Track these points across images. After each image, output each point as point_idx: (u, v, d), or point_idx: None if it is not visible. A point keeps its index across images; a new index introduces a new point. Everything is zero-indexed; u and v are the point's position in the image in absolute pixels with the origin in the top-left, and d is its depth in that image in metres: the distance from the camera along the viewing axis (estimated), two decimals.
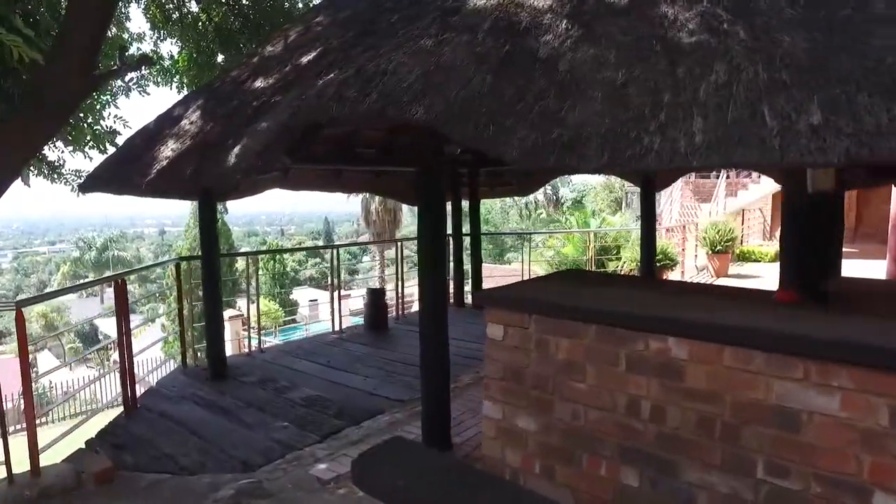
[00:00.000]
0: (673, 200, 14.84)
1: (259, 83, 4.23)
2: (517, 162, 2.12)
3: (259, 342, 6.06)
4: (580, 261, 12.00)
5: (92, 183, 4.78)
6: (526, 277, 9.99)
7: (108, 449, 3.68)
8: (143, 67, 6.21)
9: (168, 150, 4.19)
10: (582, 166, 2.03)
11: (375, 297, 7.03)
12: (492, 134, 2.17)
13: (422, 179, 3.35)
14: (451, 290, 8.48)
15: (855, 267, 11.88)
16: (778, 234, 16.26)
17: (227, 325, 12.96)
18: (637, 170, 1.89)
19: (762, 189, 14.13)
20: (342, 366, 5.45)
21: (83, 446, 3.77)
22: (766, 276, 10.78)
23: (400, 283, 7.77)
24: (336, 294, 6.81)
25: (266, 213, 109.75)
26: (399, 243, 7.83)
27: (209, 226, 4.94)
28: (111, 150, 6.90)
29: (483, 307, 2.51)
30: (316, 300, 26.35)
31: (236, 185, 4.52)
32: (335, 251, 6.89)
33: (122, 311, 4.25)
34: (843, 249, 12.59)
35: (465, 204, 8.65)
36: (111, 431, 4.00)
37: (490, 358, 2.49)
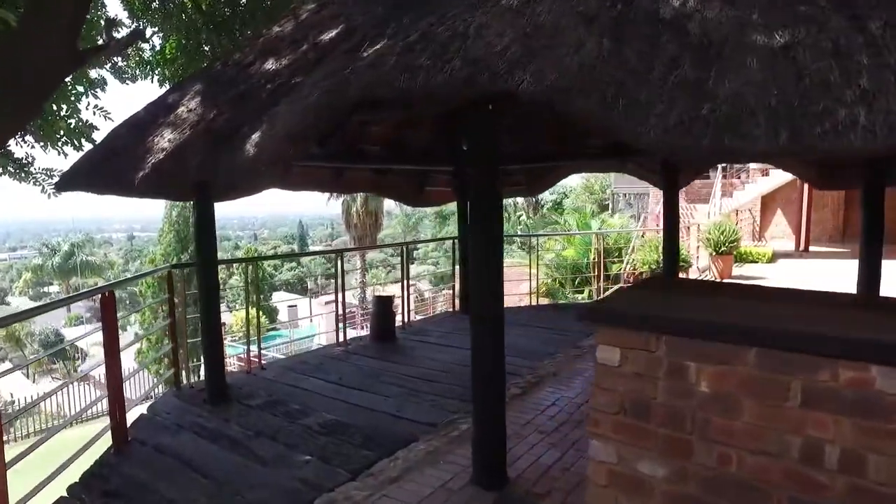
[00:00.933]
0: (661, 203, 14.67)
1: (270, 65, 3.71)
2: (657, 145, 1.66)
3: (259, 357, 5.47)
4: (581, 263, 11.66)
5: (71, 181, 4.17)
6: (533, 282, 9.58)
7: (97, 497, 3.09)
8: (134, 44, 5.56)
9: (164, 141, 3.62)
10: (749, 148, 1.58)
11: (383, 306, 6.50)
12: (623, 109, 1.71)
13: (477, 174, 2.87)
14: (457, 297, 8.01)
15: (854, 267, 11.81)
16: (767, 235, 16.25)
17: None
18: (833, 150, 1.46)
19: (757, 189, 14.06)
20: (356, 384, 4.92)
21: (65, 494, 3.17)
22: (771, 278, 10.60)
23: (406, 288, 7.25)
24: (341, 302, 6.26)
25: (238, 217, 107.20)
26: (405, 247, 7.30)
27: (207, 228, 4.35)
28: (87, 146, 6.24)
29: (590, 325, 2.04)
30: (295, 305, 25.62)
31: (234, 181, 3.94)
32: (340, 256, 6.34)
33: (111, 328, 3.66)
34: (835, 250, 12.46)
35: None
36: (99, 473, 3.39)
37: (601, 388, 2.02)
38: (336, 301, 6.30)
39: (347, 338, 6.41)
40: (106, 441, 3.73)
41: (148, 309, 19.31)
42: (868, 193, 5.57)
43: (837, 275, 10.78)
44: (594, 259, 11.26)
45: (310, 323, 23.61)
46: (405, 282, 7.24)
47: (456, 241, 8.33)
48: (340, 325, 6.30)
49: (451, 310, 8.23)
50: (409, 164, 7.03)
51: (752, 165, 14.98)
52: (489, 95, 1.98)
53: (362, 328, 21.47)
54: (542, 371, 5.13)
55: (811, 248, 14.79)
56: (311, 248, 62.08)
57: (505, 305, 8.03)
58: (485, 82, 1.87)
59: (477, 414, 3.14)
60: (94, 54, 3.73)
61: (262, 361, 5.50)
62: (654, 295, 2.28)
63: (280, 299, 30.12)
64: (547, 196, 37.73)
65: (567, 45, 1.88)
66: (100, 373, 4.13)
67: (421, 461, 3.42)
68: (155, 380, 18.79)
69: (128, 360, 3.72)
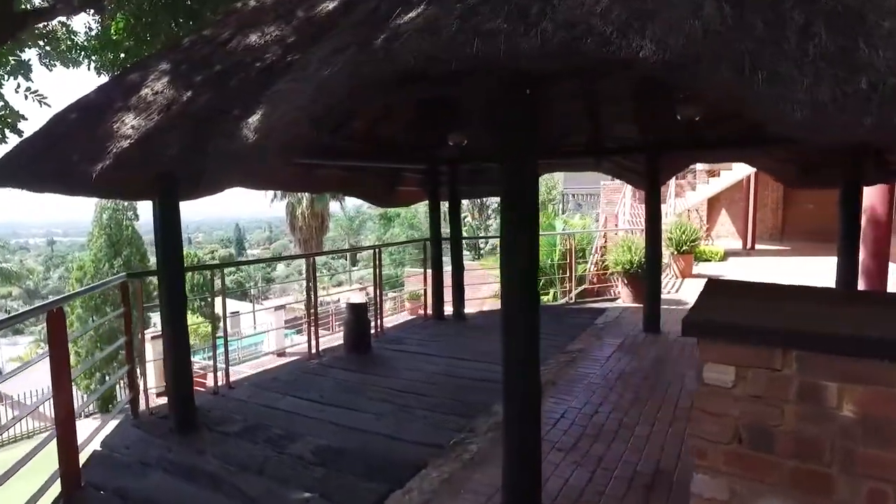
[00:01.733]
0: (625, 203, 14.85)
1: (254, 41, 3.23)
2: (806, 124, 1.37)
3: (227, 375, 4.88)
4: (544, 265, 11.52)
5: (3, 175, 3.50)
6: (495, 285, 9.32)
7: None
8: (86, 10, 4.81)
9: (127, 127, 3.06)
10: None
11: (357, 314, 6.02)
12: (763, 84, 1.41)
13: (513, 167, 2.54)
14: (430, 301, 7.65)
15: (802, 264, 12.34)
16: (714, 234, 16.82)
17: (148, 346, 11.19)
18: None
19: (709, 190, 14.48)
20: (340, 401, 4.45)
21: None
22: (729, 276, 10.85)
23: (378, 295, 6.80)
24: (312, 310, 5.74)
25: None
26: (377, 250, 6.84)
27: (172, 231, 3.78)
28: (13, 139, 5.45)
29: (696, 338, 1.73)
30: (237, 312, 24.38)
31: (220, 172, 3.42)
32: (310, 260, 5.82)
33: (60, 351, 3.04)
34: (777, 248, 12.99)
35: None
36: None
37: (708, 413, 1.72)
38: (308, 310, 5.78)
39: (320, 349, 5.90)
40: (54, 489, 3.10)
41: (78, 322, 17.68)
42: (846, 192, 5.65)
43: (792, 272, 11.22)
44: (561, 260, 11.17)
45: (254, 329, 22.41)
46: (377, 288, 6.80)
47: (427, 242, 7.97)
48: (299, 333, 5.78)
49: (413, 316, 7.84)
50: (383, 162, 6.62)
51: (699, 166, 15.42)
52: (593, 64, 1.65)
53: (309, 335, 20.59)
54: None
55: (756, 247, 15.43)
56: (249, 252, 59.85)
57: (470, 310, 7.69)
58: (590, 49, 1.53)
59: (508, 434, 2.79)
60: (36, 19, 3.10)
61: (230, 379, 4.92)
62: (748, 302, 2.00)
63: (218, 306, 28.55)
64: (491, 198, 37.78)
65: (682, 8, 1.57)
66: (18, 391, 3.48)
67: (438, 492, 3.03)
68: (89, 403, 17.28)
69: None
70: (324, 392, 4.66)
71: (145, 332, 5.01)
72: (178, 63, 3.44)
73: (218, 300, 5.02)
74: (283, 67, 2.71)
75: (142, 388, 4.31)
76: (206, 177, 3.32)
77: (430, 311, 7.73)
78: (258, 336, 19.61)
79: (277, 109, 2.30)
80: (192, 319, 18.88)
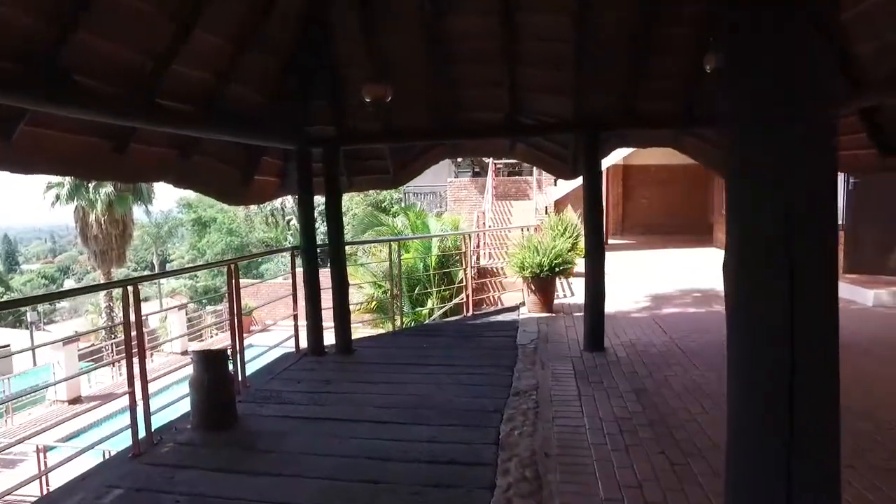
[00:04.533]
0: (486, 201, 14.05)
1: None
2: None
3: None
4: (417, 273, 10.03)
5: None
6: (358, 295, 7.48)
7: None
8: None
9: None
10: None
11: (213, 369, 3.81)
12: None
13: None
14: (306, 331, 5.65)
15: (657, 256, 12.65)
16: None
17: None
18: None
19: (572, 184, 14.36)
20: None
21: None
22: (610, 273, 10.46)
23: (238, 329, 4.65)
24: (136, 361, 3.44)
25: None
26: (233, 265, 4.62)
27: None
28: None
29: None
30: (8, 345, 18.84)
31: None
32: (128, 288, 3.49)
33: None
34: (623, 242, 13.34)
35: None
36: None
37: None
38: (129, 360, 3.47)
39: (152, 430, 3.61)
40: None
41: None
42: None
43: (657, 263, 11.36)
44: (436, 267, 9.79)
45: (34, 366, 17.29)
46: (234, 316, 4.64)
47: (295, 250, 5.95)
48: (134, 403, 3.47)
49: (293, 349, 5.79)
50: (233, 135, 4.52)
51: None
52: None
53: (116, 367, 16.42)
54: (519, 450, 3.29)
55: (608, 241, 15.83)
56: (26, 269, 49.53)
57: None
58: None
59: None
60: None
61: None
62: None
63: None
64: (318, 199, 34.73)
65: None
66: None
67: None
68: None
69: None
70: None
71: None
72: None
73: None
74: None
75: None
76: None
77: (303, 344, 5.75)
78: (40, 373, 15.09)
79: None
80: None
